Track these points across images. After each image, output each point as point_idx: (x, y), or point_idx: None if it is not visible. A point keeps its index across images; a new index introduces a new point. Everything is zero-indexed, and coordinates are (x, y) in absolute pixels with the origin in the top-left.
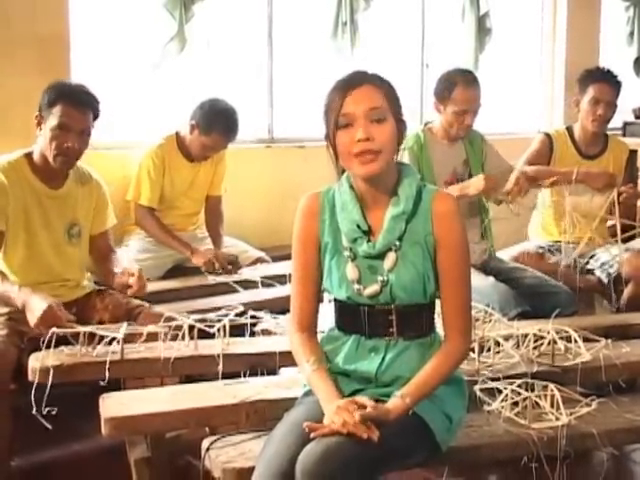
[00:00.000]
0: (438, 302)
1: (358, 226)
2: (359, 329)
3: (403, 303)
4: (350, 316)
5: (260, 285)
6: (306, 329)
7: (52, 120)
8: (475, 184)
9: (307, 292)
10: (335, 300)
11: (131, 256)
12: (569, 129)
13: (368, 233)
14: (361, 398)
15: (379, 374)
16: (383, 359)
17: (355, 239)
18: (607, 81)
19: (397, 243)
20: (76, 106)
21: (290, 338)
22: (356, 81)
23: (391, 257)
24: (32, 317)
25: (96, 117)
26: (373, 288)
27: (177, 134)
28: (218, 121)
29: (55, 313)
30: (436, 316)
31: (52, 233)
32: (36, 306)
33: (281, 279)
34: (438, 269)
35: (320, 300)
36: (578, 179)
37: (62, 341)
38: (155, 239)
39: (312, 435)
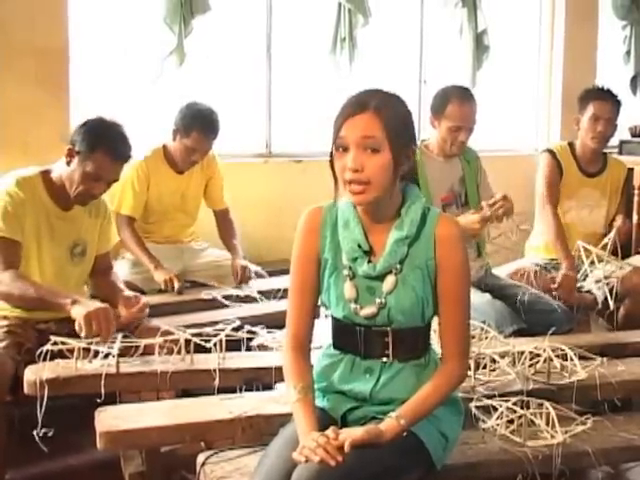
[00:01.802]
0: (434, 319)
1: (359, 246)
2: (354, 349)
3: (400, 326)
4: (346, 335)
5: (257, 300)
6: (300, 345)
7: (88, 166)
8: (468, 224)
9: (304, 307)
10: (332, 318)
11: (127, 269)
12: (571, 145)
13: (369, 253)
14: (336, 430)
15: (373, 394)
16: (377, 380)
17: (355, 258)
18: (607, 99)
19: (398, 266)
20: (115, 159)
21: (284, 354)
22: (359, 106)
23: (390, 280)
24: (83, 310)
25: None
26: (370, 309)
27: (164, 146)
28: (196, 120)
29: (109, 314)
30: (432, 332)
31: (57, 250)
32: (92, 303)
33: (278, 294)
34: (438, 292)
35: (316, 316)
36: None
37: (58, 354)
38: (127, 249)
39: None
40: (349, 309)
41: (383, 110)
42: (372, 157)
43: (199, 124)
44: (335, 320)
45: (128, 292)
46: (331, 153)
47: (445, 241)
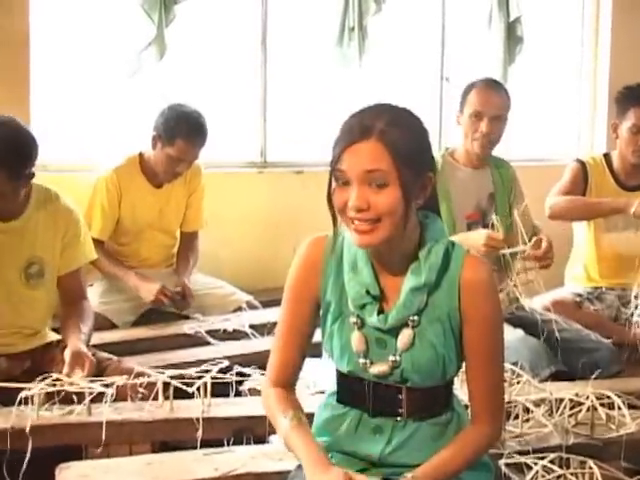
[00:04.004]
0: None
1: (367, 292)
2: (362, 404)
3: (416, 386)
4: (352, 389)
5: (248, 336)
6: (284, 386)
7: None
8: (475, 245)
9: (293, 345)
10: (336, 370)
11: (96, 299)
12: (607, 156)
13: (379, 299)
14: (354, 474)
15: (383, 458)
16: (389, 442)
17: (363, 305)
18: None
19: (415, 318)
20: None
21: (263, 393)
22: (361, 131)
23: (406, 334)
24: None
25: None
26: (382, 367)
27: (140, 155)
28: (181, 126)
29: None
30: (456, 379)
31: (5, 271)
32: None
33: (273, 329)
34: (464, 346)
35: (305, 355)
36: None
37: (11, 400)
38: (104, 274)
39: None
40: (356, 363)
41: (390, 134)
42: (379, 193)
43: (185, 130)
44: (339, 372)
45: (81, 347)
46: (329, 185)
47: (473, 288)
